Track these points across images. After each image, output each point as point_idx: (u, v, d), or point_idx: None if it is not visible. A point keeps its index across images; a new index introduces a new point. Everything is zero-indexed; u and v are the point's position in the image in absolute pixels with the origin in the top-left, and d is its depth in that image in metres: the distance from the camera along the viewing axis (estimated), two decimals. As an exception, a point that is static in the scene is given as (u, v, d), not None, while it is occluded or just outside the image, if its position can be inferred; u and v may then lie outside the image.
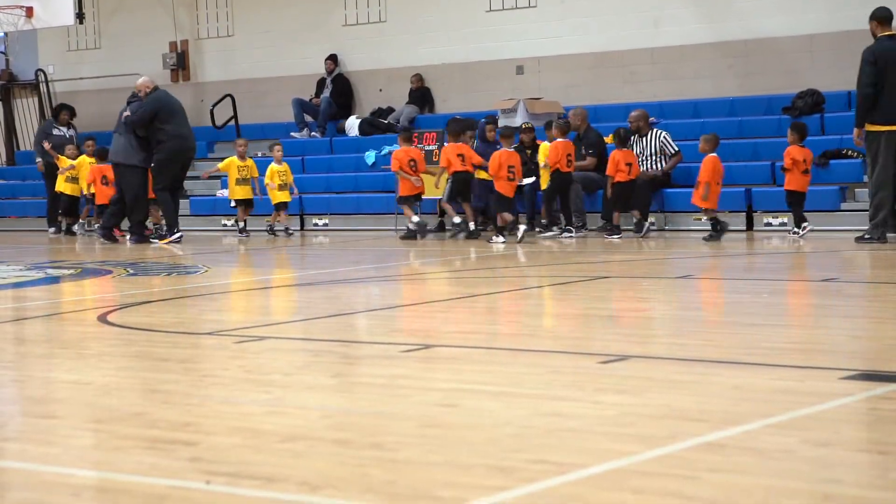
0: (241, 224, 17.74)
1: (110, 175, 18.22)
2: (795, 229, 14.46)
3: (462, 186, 16.15)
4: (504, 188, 15.36)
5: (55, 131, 20.28)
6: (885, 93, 12.65)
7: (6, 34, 23.15)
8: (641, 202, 15.92)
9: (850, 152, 15.83)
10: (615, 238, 15.05)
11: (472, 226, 16.00)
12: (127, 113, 16.54)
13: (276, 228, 17.62)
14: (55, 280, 11.62)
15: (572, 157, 15.82)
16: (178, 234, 16.43)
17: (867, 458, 3.80)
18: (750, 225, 15.61)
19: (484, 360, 6.05)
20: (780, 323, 7.34)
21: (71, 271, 12.51)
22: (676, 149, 16.32)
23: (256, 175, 17.77)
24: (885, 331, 6.78)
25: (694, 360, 5.73)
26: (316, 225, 18.67)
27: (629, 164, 15.46)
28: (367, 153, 19.43)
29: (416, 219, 16.12)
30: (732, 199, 15.81)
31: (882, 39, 12.89)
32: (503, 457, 3.88)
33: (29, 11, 21.38)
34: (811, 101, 16.91)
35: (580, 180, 16.41)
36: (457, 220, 16.00)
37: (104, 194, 18.38)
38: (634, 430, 4.20)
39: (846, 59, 17.34)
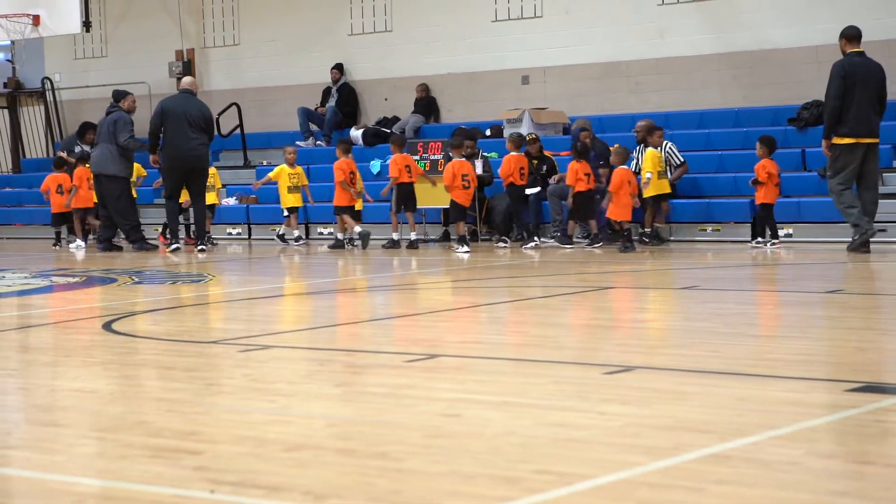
0: (296, 233, 17.67)
1: (66, 184, 18.74)
2: (760, 239, 14.62)
3: (406, 197, 16.41)
4: (460, 197, 15.61)
5: (76, 148, 20.40)
6: (853, 107, 13.09)
7: (13, 42, 23.24)
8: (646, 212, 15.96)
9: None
10: (568, 248, 15.33)
11: (413, 236, 16.33)
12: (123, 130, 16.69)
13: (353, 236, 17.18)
14: (60, 288, 11.63)
15: (525, 170, 16.04)
16: (174, 246, 16.33)
17: (872, 470, 3.79)
18: (755, 236, 15.61)
19: (488, 370, 6.05)
20: (785, 334, 7.34)
21: (76, 279, 12.52)
22: (682, 159, 16.30)
23: (307, 182, 17.77)
24: (890, 343, 6.77)
25: (699, 372, 5.73)
26: (321, 234, 18.67)
27: (587, 175, 15.58)
28: (371, 162, 19.46)
29: (358, 229, 16.44)
30: (738, 211, 15.82)
31: (851, 55, 13.36)
32: (508, 467, 3.88)
33: (36, 20, 21.43)
34: (816, 113, 16.89)
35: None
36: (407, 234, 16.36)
37: (58, 203, 18.76)
38: (639, 441, 4.20)
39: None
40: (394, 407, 5.00)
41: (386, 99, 21.61)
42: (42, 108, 25.42)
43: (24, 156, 25.46)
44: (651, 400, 4.95)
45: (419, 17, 21.13)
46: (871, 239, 13.26)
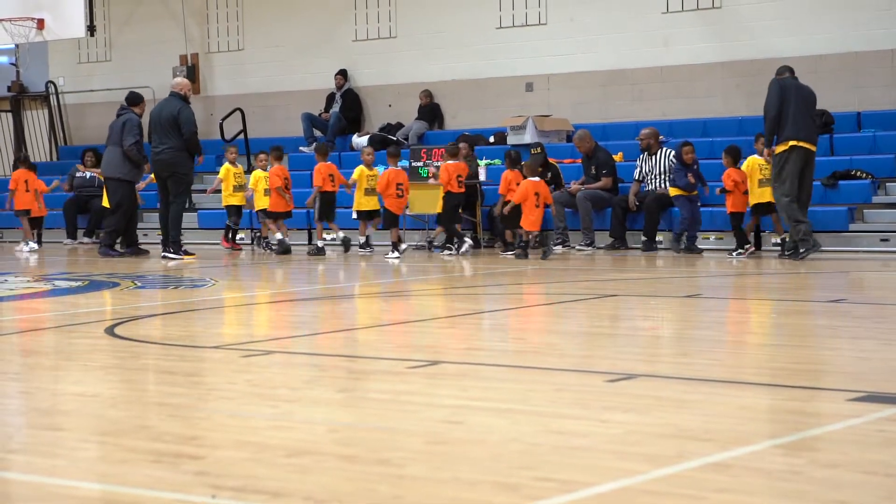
0: (364, 238, 16.93)
1: (31, 183, 19.51)
2: (740, 251, 14.64)
3: (328, 206, 16.73)
4: (392, 206, 15.96)
5: (78, 174, 20.56)
6: (791, 115, 13.87)
7: (17, 46, 23.22)
8: (649, 221, 15.95)
9: (858, 173, 15.82)
10: (509, 255, 15.49)
11: (319, 244, 16.62)
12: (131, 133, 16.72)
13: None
14: (63, 292, 11.63)
15: (462, 177, 16.25)
16: (166, 253, 16.15)
17: (875, 479, 3.79)
18: (758, 244, 15.57)
19: (490, 377, 6.05)
20: (787, 343, 7.33)
21: (79, 283, 12.53)
22: (685, 168, 16.30)
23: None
24: (893, 352, 6.76)
25: (701, 380, 5.72)
26: (324, 239, 18.66)
27: (518, 184, 15.73)
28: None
29: (279, 236, 16.82)
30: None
31: (785, 78, 14.28)
32: (509, 474, 3.88)
33: (40, 23, 21.44)
34: (820, 122, 16.87)
35: (590, 199, 16.45)
36: (340, 234, 16.61)
37: (23, 200, 19.41)
38: (641, 448, 4.20)
39: (854, 80, 17.37)
40: (396, 413, 5.00)
41: (390, 105, 21.62)
42: (46, 111, 25.43)
43: (27, 159, 25.47)
44: (653, 408, 4.95)
45: (423, 23, 21.13)
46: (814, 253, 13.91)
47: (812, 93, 14.24)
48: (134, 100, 17.19)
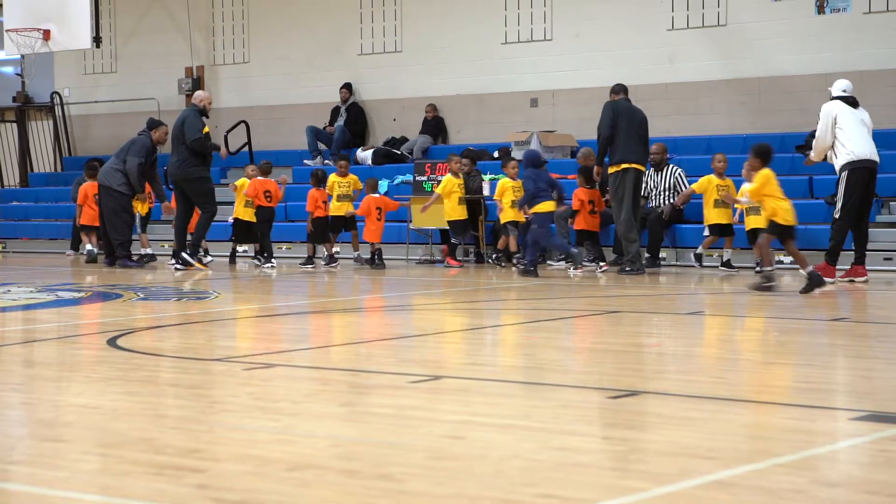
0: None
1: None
2: (601, 264, 15.43)
3: (144, 219, 18.49)
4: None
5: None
6: (621, 138, 14.75)
7: (23, 56, 23.28)
8: (653, 237, 15.95)
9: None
10: (309, 267, 16.66)
11: (148, 251, 17.95)
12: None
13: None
14: (65, 303, 11.63)
15: (272, 193, 17.12)
16: (172, 262, 16.26)
17: (877, 500, 3.78)
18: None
19: (493, 393, 6.04)
20: (790, 362, 7.32)
21: (81, 294, 12.52)
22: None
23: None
24: (895, 371, 6.75)
25: (703, 398, 5.71)
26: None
27: (325, 202, 16.91)
28: (379, 182, 19.45)
29: (89, 247, 18.02)
30: (744, 236, 15.78)
31: (619, 101, 15.02)
32: (511, 490, 3.87)
33: (46, 34, 21.50)
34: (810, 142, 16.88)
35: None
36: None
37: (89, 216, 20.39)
38: (643, 466, 4.19)
39: (860, 99, 17.37)
40: (397, 428, 4.99)
41: (395, 119, 21.64)
42: (51, 122, 25.48)
43: (31, 170, 25.52)
44: (655, 425, 4.94)
45: (429, 38, 21.17)
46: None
47: (644, 117, 15.03)
48: (152, 124, 17.35)
